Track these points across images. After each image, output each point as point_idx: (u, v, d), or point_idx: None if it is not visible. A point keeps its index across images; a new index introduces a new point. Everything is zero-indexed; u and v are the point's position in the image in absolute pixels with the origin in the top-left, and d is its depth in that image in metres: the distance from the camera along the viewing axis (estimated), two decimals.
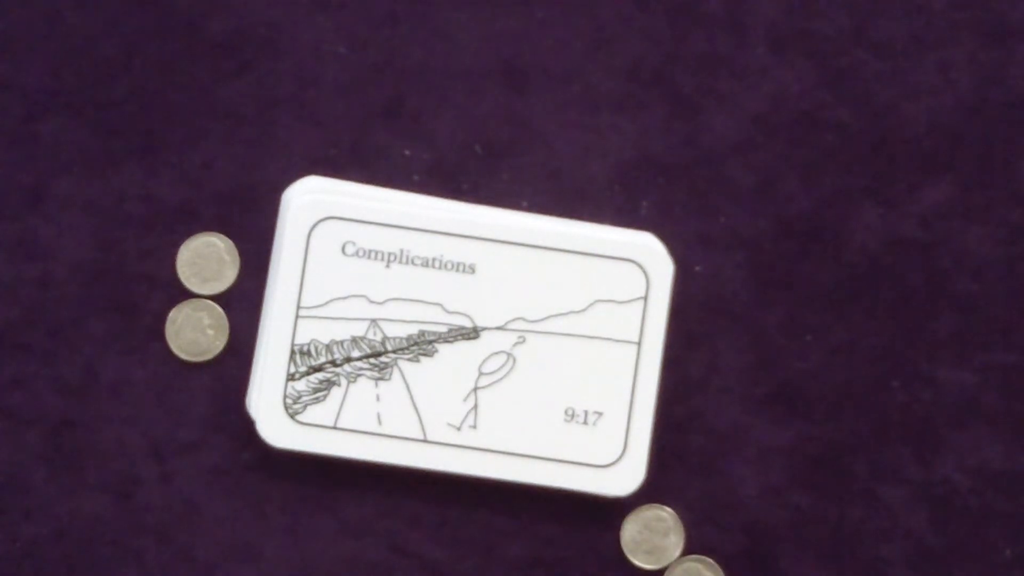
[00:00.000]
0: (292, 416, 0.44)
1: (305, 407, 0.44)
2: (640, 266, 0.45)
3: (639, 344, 0.45)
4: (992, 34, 0.49)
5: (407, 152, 0.48)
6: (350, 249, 0.44)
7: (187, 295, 0.47)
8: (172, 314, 0.47)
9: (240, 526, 0.46)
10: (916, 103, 0.48)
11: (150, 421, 0.47)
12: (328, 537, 0.46)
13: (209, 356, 0.47)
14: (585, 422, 0.44)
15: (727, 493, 0.46)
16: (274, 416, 0.44)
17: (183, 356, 0.47)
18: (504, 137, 0.48)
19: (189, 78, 0.49)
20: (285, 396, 0.44)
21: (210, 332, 0.47)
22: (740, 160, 0.48)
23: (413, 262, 0.44)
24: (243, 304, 0.47)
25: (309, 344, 0.44)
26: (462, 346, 0.45)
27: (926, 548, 0.46)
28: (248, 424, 0.45)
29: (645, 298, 0.45)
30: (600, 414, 0.44)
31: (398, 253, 0.44)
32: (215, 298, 0.47)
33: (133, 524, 0.46)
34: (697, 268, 0.47)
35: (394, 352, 0.44)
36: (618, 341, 0.45)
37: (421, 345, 0.44)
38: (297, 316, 0.44)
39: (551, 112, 0.48)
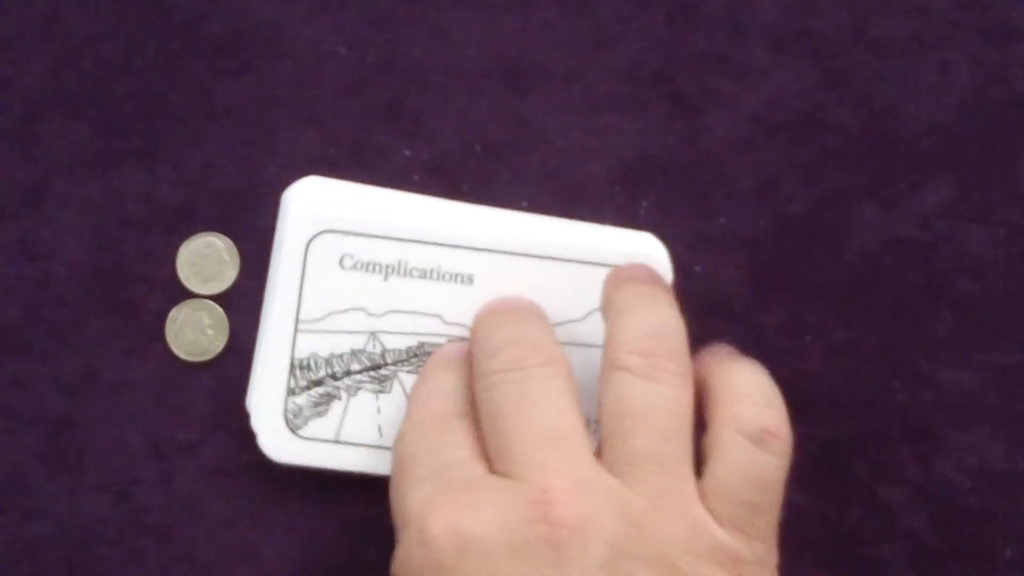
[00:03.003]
0: (293, 431, 0.44)
1: (306, 421, 0.44)
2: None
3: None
4: (992, 34, 0.49)
5: (407, 152, 0.48)
6: (348, 262, 0.44)
7: (187, 295, 0.47)
8: (172, 314, 0.47)
9: (240, 526, 0.46)
10: (916, 103, 0.49)
11: (150, 421, 0.47)
12: (328, 537, 0.46)
13: (209, 356, 0.47)
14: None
15: None
16: (275, 431, 0.44)
17: (183, 356, 0.47)
18: (504, 137, 0.48)
19: (189, 78, 0.49)
20: (286, 411, 0.44)
21: (210, 332, 0.47)
22: (740, 160, 0.48)
23: (411, 274, 0.44)
24: (243, 304, 0.47)
25: (309, 358, 0.44)
26: None
27: (926, 548, 0.46)
28: (248, 424, 0.45)
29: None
30: (599, 422, 0.44)
31: (396, 265, 0.44)
32: (215, 298, 0.47)
33: (133, 524, 0.46)
34: (697, 268, 0.47)
35: (394, 364, 0.44)
36: None
37: (421, 357, 0.44)
38: (296, 330, 0.44)
39: (551, 112, 0.48)
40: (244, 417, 0.45)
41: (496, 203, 0.46)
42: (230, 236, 0.47)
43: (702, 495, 0.39)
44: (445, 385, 0.42)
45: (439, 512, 0.38)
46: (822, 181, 0.48)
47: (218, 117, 0.48)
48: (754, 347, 0.47)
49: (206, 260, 0.47)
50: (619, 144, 0.48)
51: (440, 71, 0.49)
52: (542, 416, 0.39)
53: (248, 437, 0.45)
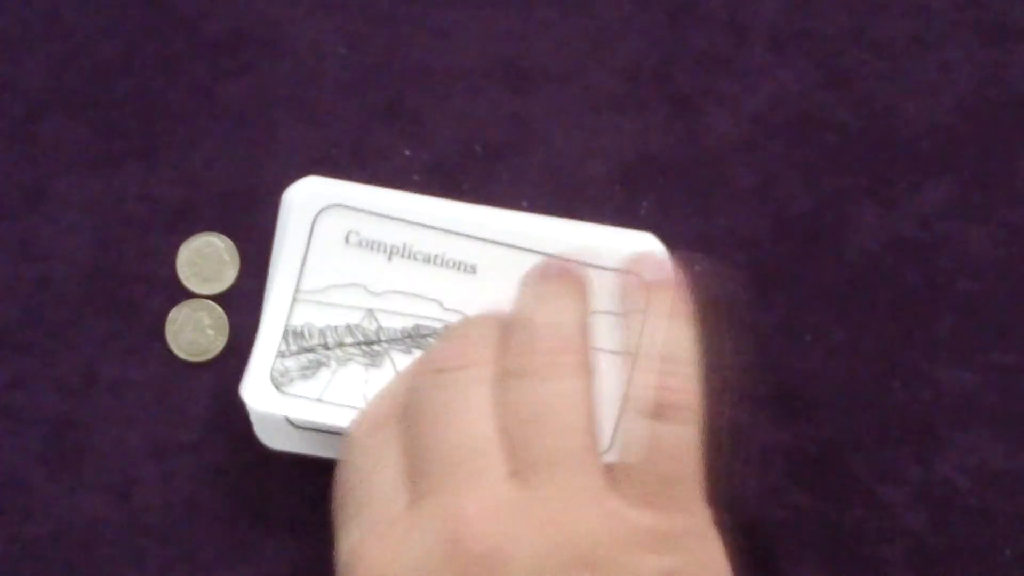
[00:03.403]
0: (277, 388, 0.44)
1: (292, 381, 0.44)
2: (642, 280, 0.44)
3: (634, 357, 0.44)
4: (992, 34, 0.49)
5: (407, 152, 0.48)
6: (353, 239, 0.44)
7: (187, 295, 0.47)
8: (172, 314, 0.47)
9: (240, 526, 0.46)
10: (916, 103, 0.48)
11: (150, 421, 0.47)
12: (328, 537, 0.46)
13: (209, 356, 0.47)
14: None
15: (727, 493, 0.46)
16: (259, 384, 0.44)
17: (183, 356, 0.47)
18: (504, 137, 0.48)
19: (189, 78, 0.49)
20: (273, 370, 0.44)
21: (210, 332, 0.47)
22: (740, 160, 0.48)
23: (415, 257, 0.44)
24: (243, 304, 0.47)
25: (303, 327, 0.44)
26: None
27: (926, 548, 0.46)
28: (248, 424, 0.45)
29: (645, 312, 0.44)
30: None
31: (401, 247, 0.44)
32: (215, 298, 0.47)
33: (133, 524, 0.46)
34: (697, 268, 0.47)
35: (388, 342, 0.44)
36: (616, 353, 0.44)
37: (415, 339, 0.44)
38: (295, 299, 0.44)
39: (551, 112, 0.48)
40: (244, 417, 0.45)
41: (496, 203, 0.46)
42: (230, 236, 0.47)
43: (614, 479, 0.38)
44: (399, 385, 0.41)
45: (361, 564, 0.38)
46: (822, 181, 0.48)
47: (218, 117, 0.48)
48: (754, 347, 0.47)
49: (206, 260, 0.47)
50: (619, 144, 0.48)
51: (440, 71, 0.49)
52: (454, 430, 0.39)
53: (248, 437, 0.45)
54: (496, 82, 0.49)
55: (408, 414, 0.40)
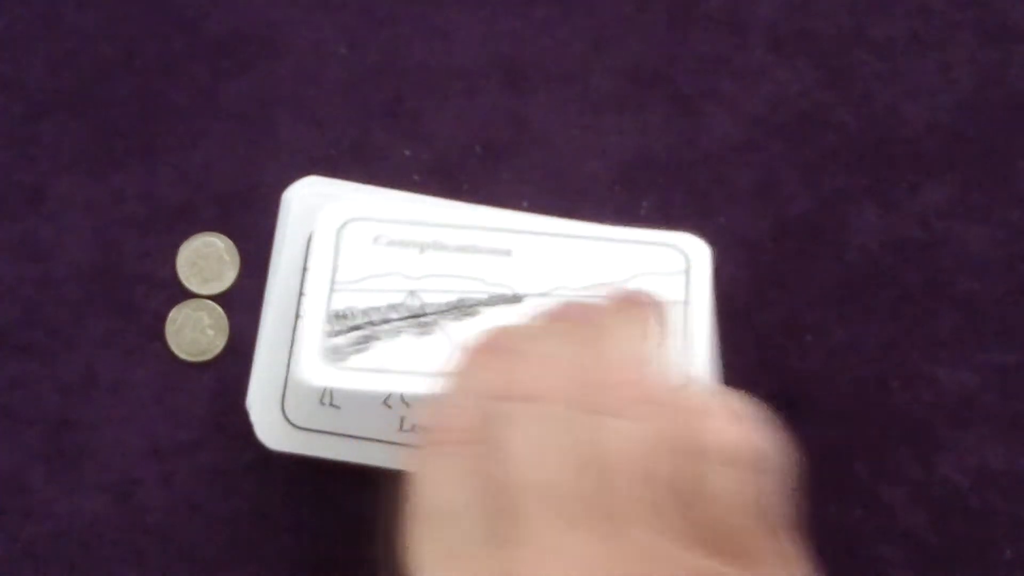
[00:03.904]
0: (333, 363, 0.42)
1: (346, 356, 0.43)
2: (679, 249, 0.44)
3: (686, 305, 0.43)
4: (992, 34, 0.49)
5: (407, 152, 0.48)
6: (382, 241, 0.44)
7: (187, 295, 0.47)
8: (172, 314, 0.47)
9: (240, 526, 0.46)
10: (916, 103, 0.49)
11: (150, 421, 0.47)
12: (328, 536, 0.46)
13: (209, 356, 0.47)
14: None
15: None
16: (314, 361, 0.42)
17: (183, 356, 0.47)
18: (504, 137, 0.48)
19: (189, 78, 0.49)
20: (325, 348, 0.43)
21: (210, 332, 0.47)
22: (740, 160, 0.48)
23: (448, 248, 0.44)
24: (243, 304, 0.47)
25: (346, 310, 0.43)
26: (505, 309, 0.43)
27: (926, 548, 0.46)
28: (248, 424, 0.45)
29: (687, 271, 0.43)
30: None
31: (432, 243, 0.44)
32: (215, 298, 0.47)
33: (133, 524, 0.46)
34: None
35: (435, 314, 0.43)
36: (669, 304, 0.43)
37: (462, 309, 0.43)
38: (332, 290, 0.43)
39: (551, 112, 0.48)
40: (244, 417, 0.45)
41: (496, 203, 0.46)
42: (230, 236, 0.47)
43: (690, 530, 0.36)
44: (473, 388, 0.39)
45: None
46: (822, 181, 0.48)
47: (218, 117, 0.48)
48: (754, 347, 0.47)
49: (206, 260, 0.47)
50: (619, 144, 0.48)
51: (440, 71, 0.49)
52: (534, 472, 0.36)
53: (248, 437, 0.45)
54: (496, 82, 0.49)
55: (488, 441, 0.38)
